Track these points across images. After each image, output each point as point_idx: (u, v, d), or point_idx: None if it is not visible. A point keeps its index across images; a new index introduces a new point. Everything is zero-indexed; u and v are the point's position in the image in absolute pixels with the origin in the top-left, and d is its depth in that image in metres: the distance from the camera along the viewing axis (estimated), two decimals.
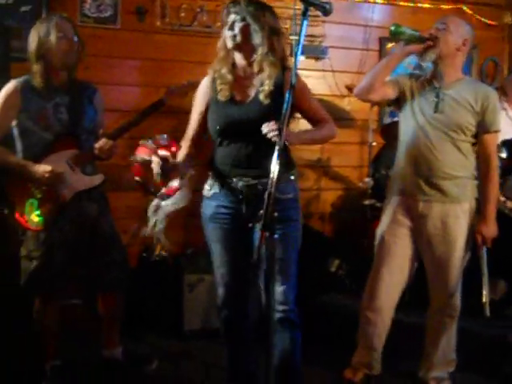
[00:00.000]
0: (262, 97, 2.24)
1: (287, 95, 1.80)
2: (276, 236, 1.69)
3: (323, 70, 4.09)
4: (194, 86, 2.79)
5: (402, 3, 4.23)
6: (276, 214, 1.68)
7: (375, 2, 4.19)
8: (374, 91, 2.58)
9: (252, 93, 2.28)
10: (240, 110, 2.26)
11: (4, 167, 2.54)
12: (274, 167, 1.71)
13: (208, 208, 2.36)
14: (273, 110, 2.21)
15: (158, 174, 2.24)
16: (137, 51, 3.71)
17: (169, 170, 2.29)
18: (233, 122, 2.25)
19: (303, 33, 1.83)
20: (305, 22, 1.84)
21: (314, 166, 4.11)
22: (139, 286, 3.30)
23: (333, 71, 4.08)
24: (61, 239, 2.59)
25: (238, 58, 2.28)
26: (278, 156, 1.72)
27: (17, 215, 2.56)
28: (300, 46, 1.83)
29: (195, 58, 3.77)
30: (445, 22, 2.56)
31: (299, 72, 2.36)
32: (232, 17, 2.22)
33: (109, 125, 2.90)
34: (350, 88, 3.95)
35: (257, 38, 2.21)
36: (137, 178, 2.17)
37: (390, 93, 2.63)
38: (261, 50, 2.22)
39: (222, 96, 2.28)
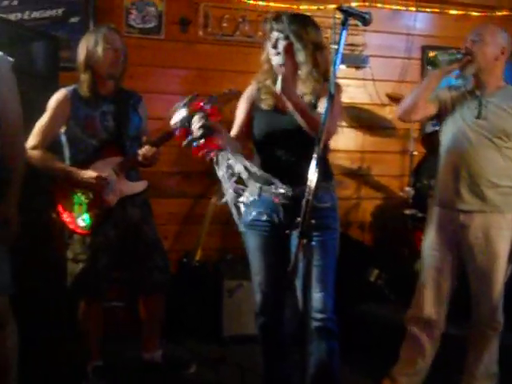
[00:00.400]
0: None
1: (326, 104, 1.81)
2: (313, 243, 1.70)
3: (363, 79, 4.08)
4: (235, 95, 2.85)
5: (446, 11, 4.18)
6: (313, 222, 1.69)
7: (418, 10, 4.16)
8: (416, 112, 2.61)
9: None
10: (281, 119, 2.28)
11: (51, 173, 2.65)
12: (312, 175, 1.72)
13: (247, 215, 2.38)
14: None
15: (200, 129, 2.06)
16: (180, 61, 3.79)
17: (211, 129, 2.09)
18: (274, 131, 2.28)
19: (342, 42, 1.84)
20: (344, 32, 1.85)
21: (354, 174, 4.11)
22: (179, 292, 3.37)
23: (373, 80, 4.06)
24: (106, 243, 2.67)
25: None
26: (317, 165, 1.73)
27: (65, 218, 2.66)
28: (339, 56, 1.83)
29: (237, 67, 3.83)
30: (480, 33, 2.54)
31: (340, 81, 2.43)
32: (275, 34, 2.24)
33: (152, 132, 2.98)
34: (391, 97, 3.93)
35: (300, 56, 2.23)
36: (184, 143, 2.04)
37: (432, 109, 2.64)
38: (305, 68, 2.24)
39: (266, 105, 2.31)
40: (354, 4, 3.93)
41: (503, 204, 2.51)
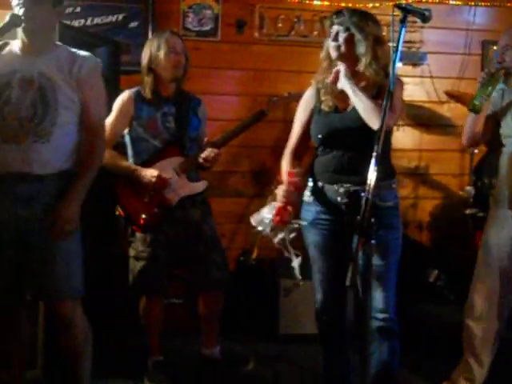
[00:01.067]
0: None
1: (384, 101, 1.80)
2: (373, 242, 1.69)
3: (421, 76, 4.02)
4: (294, 98, 2.89)
5: (506, 4, 4.06)
6: (373, 220, 1.69)
7: (476, 5, 4.06)
8: (480, 138, 2.67)
9: None
10: (342, 118, 2.28)
11: (116, 170, 2.73)
12: (372, 173, 1.72)
13: (308, 213, 2.38)
14: None
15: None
16: (236, 62, 3.84)
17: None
18: (335, 131, 2.28)
19: (401, 40, 1.83)
20: (403, 30, 1.83)
21: (411, 173, 4.04)
22: (236, 290, 3.41)
23: (431, 77, 3.99)
24: (166, 242, 2.74)
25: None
26: (377, 162, 1.72)
27: (128, 216, 2.74)
28: (398, 53, 1.82)
29: (292, 67, 3.86)
30: (507, 44, 2.50)
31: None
32: (335, 27, 2.25)
33: (210, 133, 3.04)
34: (449, 94, 3.84)
35: (361, 48, 2.23)
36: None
37: (492, 122, 2.62)
38: (364, 60, 2.23)
39: (326, 106, 2.31)
40: (410, 0, 3.90)
41: None
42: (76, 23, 3.59)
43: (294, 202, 2.27)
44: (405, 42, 3.95)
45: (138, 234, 2.75)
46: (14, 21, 2.11)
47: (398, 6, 1.84)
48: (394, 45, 1.85)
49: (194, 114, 2.88)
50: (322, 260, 2.35)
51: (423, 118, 4.05)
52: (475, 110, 2.51)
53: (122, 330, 3.11)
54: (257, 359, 3.06)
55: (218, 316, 2.97)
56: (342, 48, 2.23)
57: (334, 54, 2.27)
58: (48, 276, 2.13)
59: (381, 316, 2.25)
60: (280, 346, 3.29)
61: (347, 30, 2.22)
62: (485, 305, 2.58)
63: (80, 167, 2.22)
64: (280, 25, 3.85)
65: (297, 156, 2.43)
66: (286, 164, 2.42)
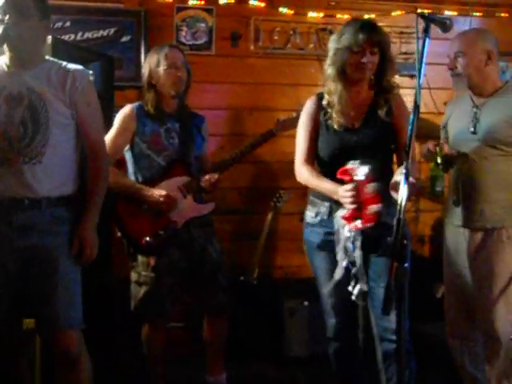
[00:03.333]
0: (374, 121, 2.25)
1: (411, 117, 1.72)
2: (406, 265, 1.60)
3: None
4: None
5: (502, 14, 4.05)
6: (406, 242, 1.59)
7: (472, 15, 4.03)
8: None
9: (364, 116, 2.27)
10: (354, 136, 2.24)
11: (118, 189, 2.58)
12: (403, 191, 1.62)
13: (315, 235, 2.30)
14: (385, 133, 2.25)
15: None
16: (231, 76, 3.74)
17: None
18: (347, 149, 2.22)
19: (425, 50, 1.76)
20: (427, 40, 1.76)
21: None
22: (237, 310, 3.28)
23: (429, 88, 3.94)
24: (170, 265, 2.62)
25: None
26: (406, 180, 1.64)
27: (132, 237, 2.61)
28: (423, 65, 1.75)
29: (288, 80, 3.79)
30: (459, 50, 2.48)
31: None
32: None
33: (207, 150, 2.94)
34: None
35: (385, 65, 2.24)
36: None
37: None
38: (377, 71, 2.22)
39: (335, 123, 2.25)
40: (398, 12, 3.87)
41: None
42: (66, 38, 3.46)
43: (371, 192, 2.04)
44: (401, 53, 3.92)
45: (141, 258, 2.62)
46: (5, 36, 2.00)
47: (421, 16, 1.77)
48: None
49: (198, 131, 2.77)
50: (334, 284, 2.24)
51: (421, 130, 3.96)
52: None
53: (122, 358, 2.96)
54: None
55: (223, 341, 2.85)
56: (370, 67, 2.19)
57: (357, 75, 2.22)
58: (49, 305, 2.01)
59: (395, 337, 2.15)
60: (286, 368, 3.18)
61: (372, 46, 2.17)
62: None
63: (88, 191, 2.12)
64: (276, 37, 3.76)
65: (311, 165, 2.34)
66: (307, 172, 2.31)
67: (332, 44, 2.26)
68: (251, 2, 3.72)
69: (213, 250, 2.72)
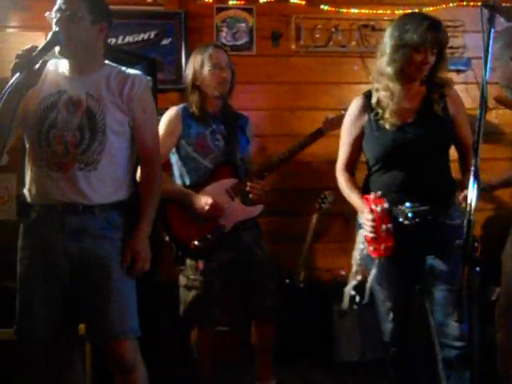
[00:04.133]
0: (428, 116, 2.17)
1: (479, 112, 1.64)
2: (478, 269, 1.52)
3: (466, 83, 3.84)
4: None
5: None
6: (476, 244, 1.51)
7: None
8: None
9: (418, 113, 2.19)
10: (405, 133, 2.15)
11: (167, 194, 2.52)
12: (472, 192, 1.54)
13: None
14: (442, 129, 2.17)
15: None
16: (273, 75, 3.69)
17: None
18: (401, 148, 2.15)
19: (491, 43, 1.67)
20: (492, 31, 1.67)
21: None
22: (284, 314, 3.22)
23: (477, 83, 3.81)
24: (219, 268, 2.58)
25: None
26: (476, 178, 1.55)
27: (181, 241, 2.58)
28: (490, 57, 1.66)
29: (331, 79, 3.73)
30: None
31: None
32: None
33: None
34: (498, 99, 3.66)
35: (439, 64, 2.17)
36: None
37: None
38: (430, 68, 2.14)
39: (387, 122, 2.17)
40: (443, 5, 3.76)
41: None
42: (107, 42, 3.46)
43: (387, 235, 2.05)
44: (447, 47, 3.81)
45: (189, 262, 2.59)
46: (55, 39, 1.97)
47: (486, 5, 1.68)
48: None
49: (243, 132, 2.73)
50: (390, 287, 2.19)
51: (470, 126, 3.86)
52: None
53: (170, 363, 2.93)
54: None
55: (271, 347, 2.80)
56: (429, 67, 2.13)
57: (417, 75, 2.15)
58: (104, 313, 1.97)
59: (459, 344, 2.12)
60: (336, 374, 3.10)
61: (435, 46, 2.10)
62: None
63: (141, 199, 2.09)
64: (317, 35, 3.69)
65: (349, 173, 2.32)
66: (343, 180, 2.30)
67: (390, 40, 2.14)
68: (292, 0, 3.66)
69: (261, 252, 2.67)
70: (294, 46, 3.68)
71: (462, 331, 2.09)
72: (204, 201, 2.52)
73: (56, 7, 2.00)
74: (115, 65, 2.15)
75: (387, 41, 2.16)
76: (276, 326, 2.77)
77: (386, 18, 3.73)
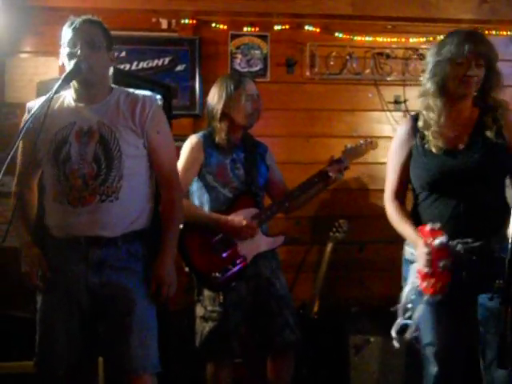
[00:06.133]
0: (481, 142, 2.02)
1: None
2: None
3: None
4: (371, 145, 2.69)
5: None
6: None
7: None
8: None
9: (470, 137, 2.04)
10: (455, 159, 2.02)
11: (193, 220, 2.49)
12: None
13: (413, 274, 2.04)
14: (496, 157, 2.01)
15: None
16: (287, 102, 3.67)
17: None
18: (448, 175, 2.01)
19: None
20: None
21: None
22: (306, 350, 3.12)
23: None
24: (237, 300, 2.52)
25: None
26: None
27: (200, 272, 2.52)
28: None
29: (346, 106, 3.71)
30: None
31: None
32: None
33: None
34: None
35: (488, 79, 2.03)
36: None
37: None
38: (481, 85, 2.01)
39: (434, 146, 2.04)
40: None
41: None
42: (121, 68, 3.44)
43: (444, 272, 1.88)
44: None
45: (207, 292, 2.52)
46: (78, 69, 1.94)
47: None
48: None
49: (262, 160, 2.69)
50: (437, 329, 2.03)
51: None
52: None
53: None
54: None
55: (288, 380, 2.70)
56: (475, 80, 1.99)
57: (461, 91, 2.02)
58: (124, 347, 1.91)
59: None
60: None
61: (478, 58, 1.97)
62: None
63: (163, 224, 2.03)
64: (332, 63, 3.68)
65: (400, 202, 2.17)
66: (393, 210, 2.15)
67: (431, 57, 2.06)
68: (306, 28, 3.66)
69: (279, 284, 2.60)
70: (308, 73, 3.67)
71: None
72: (238, 220, 2.49)
73: (74, 35, 1.95)
74: (122, 88, 2.11)
75: (429, 59, 2.07)
76: (294, 360, 2.68)
77: (400, 46, 3.73)
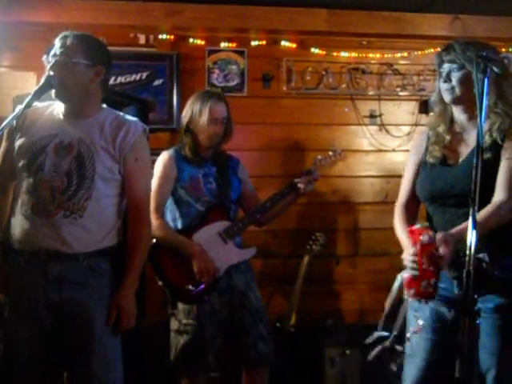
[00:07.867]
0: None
1: (474, 160, 1.59)
2: (478, 322, 1.45)
3: None
4: (341, 156, 2.74)
5: None
6: (476, 296, 1.46)
7: None
8: None
9: (467, 150, 1.96)
10: (451, 174, 1.95)
11: (166, 245, 2.52)
12: (471, 239, 1.50)
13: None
14: (492, 168, 1.90)
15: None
16: (264, 117, 3.71)
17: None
18: (440, 189, 1.96)
19: (486, 93, 1.66)
20: (486, 81, 1.67)
21: None
22: (274, 360, 3.14)
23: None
24: (211, 313, 2.53)
25: (458, 111, 1.99)
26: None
27: (174, 286, 2.53)
28: (484, 111, 1.64)
29: (322, 120, 3.77)
30: None
31: None
32: (446, 66, 1.94)
33: None
34: None
35: None
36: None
37: None
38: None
39: (431, 157, 2.00)
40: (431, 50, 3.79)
41: None
42: None
43: (429, 269, 1.75)
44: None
45: (181, 306, 2.53)
46: (49, 83, 1.96)
47: (479, 56, 1.69)
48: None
49: (235, 174, 2.72)
50: (431, 348, 1.94)
51: None
52: None
53: None
54: None
55: None
56: (457, 90, 1.92)
57: (447, 98, 1.96)
58: (86, 364, 1.89)
59: None
60: None
61: (462, 67, 1.91)
62: None
63: (128, 254, 2.00)
64: (308, 78, 3.74)
65: (410, 211, 2.09)
66: (397, 216, 2.08)
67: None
68: (283, 43, 3.71)
69: (253, 296, 2.63)
70: (285, 88, 3.72)
71: None
72: (204, 265, 2.49)
73: (52, 52, 1.97)
74: (113, 110, 2.11)
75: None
76: (267, 372, 2.70)
77: (375, 61, 3.80)
